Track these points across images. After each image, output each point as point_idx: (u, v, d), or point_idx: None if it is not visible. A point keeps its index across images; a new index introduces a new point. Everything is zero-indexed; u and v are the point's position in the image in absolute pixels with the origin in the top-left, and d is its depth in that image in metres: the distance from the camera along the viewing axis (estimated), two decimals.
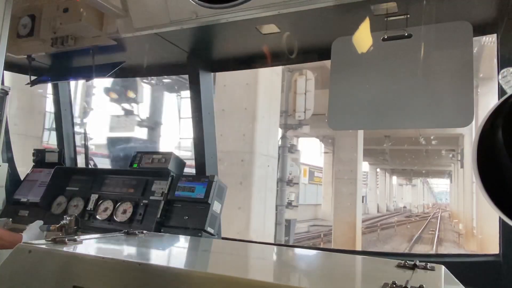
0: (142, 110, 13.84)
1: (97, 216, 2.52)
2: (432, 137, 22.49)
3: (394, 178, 59.72)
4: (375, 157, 35.65)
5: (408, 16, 1.78)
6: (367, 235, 20.68)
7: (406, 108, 1.81)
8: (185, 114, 13.75)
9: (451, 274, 1.22)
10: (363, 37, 1.89)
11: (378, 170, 44.71)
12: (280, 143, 11.85)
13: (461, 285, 1.18)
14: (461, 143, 21.48)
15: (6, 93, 2.73)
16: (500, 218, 0.89)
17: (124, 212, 2.45)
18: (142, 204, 2.43)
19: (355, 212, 16.43)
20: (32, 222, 2.31)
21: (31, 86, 2.85)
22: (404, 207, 52.72)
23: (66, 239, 1.37)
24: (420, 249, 18.00)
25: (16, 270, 1.27)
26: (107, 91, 12.52)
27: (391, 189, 55.92)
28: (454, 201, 36.37)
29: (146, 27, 2.11)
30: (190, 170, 2.74)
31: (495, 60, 1.89)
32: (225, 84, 8.51)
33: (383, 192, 48.05)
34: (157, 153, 2.60)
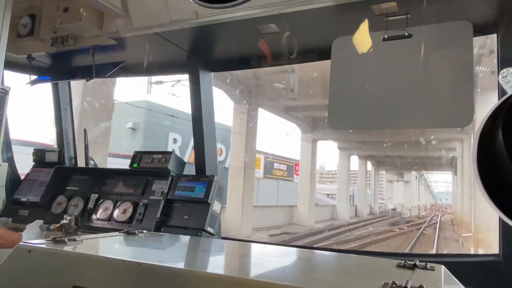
0: None
1: (97, 216, 2.52)
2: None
3: (383, 173, 48.07)
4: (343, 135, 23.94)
5: (408, 16, 1.77)
6: None
7: (406, 108, 1.81)
8: None
9: (451, 274, 1.22)
10: (363, 37, 1.89)
11: (353, 158, 32.14)
12: None
13: (461, 285, 1.18)
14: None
15: (6, 92, 2.73)
16: (500, 218, 0.89)
17: (124, 211, 2.45)
18: (142, 203, 2.43)
19: None
20: (32, 221, 2.31)
21: (31, 85, 2.85)
22: (394, 209, 42.02)
23: (66, 239, 1.37)
24: None
25: (16, 269, 1.27)
26: None
27: (376, 186, 43.16)
28: (460, 200, 24.53)
29: (146, 27, 2.11)
30: None
31: (495, 60, 1.89)
32: None
33: (364, 189, 35.87)
34: (157, 152, 2.60)
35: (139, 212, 2.40)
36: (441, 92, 1.74)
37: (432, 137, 21.74)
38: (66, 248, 1.28)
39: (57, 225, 2.15)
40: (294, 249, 1.92)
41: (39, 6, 2.34)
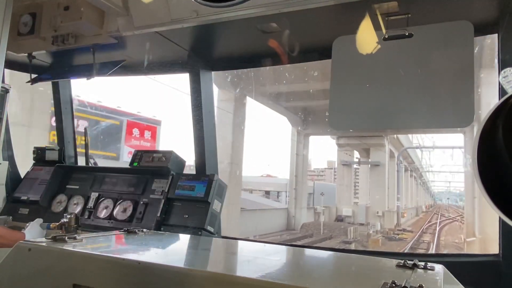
0: None
1: (97, 215, 2.52)
2: None
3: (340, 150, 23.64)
4: None
5: (409, 15, 1.77)
6: None
7: (406, 108, 1.80)
8: None
9: (450, 274, 1.22)
10: (364, 37, 1.89)
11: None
12: None
13: (461, 285, 1.18)
14: None
15: (6, 91, 2.73)
16: (500, 218, 0.89)
17: (124, 210, 2.45)
18: (142, 202, 2.43)
19: None
20: (32, 220, 2.32)
21: (31, 84, 2.85)
22: (339, 218, 23.77)
23: (66, 237, 1.37)
24: None
25: (16, 268, 1.27)
26: None
27: (302, 168, 23.14)
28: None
29: (146, 26, 2.11)
30: None
31: (496, 61, 1.88)
32: None
33: (234, 170, 15.61)
34: (158, 151, 2.60)
35: (139, 211, 2.40)
36: (442, 92, 1.74)
37: None
38: (66, 247, 1.28)
39: (57, 223, 2.16)
40: (294, 248, 1.92)
41: (39, 4, 2.34)
